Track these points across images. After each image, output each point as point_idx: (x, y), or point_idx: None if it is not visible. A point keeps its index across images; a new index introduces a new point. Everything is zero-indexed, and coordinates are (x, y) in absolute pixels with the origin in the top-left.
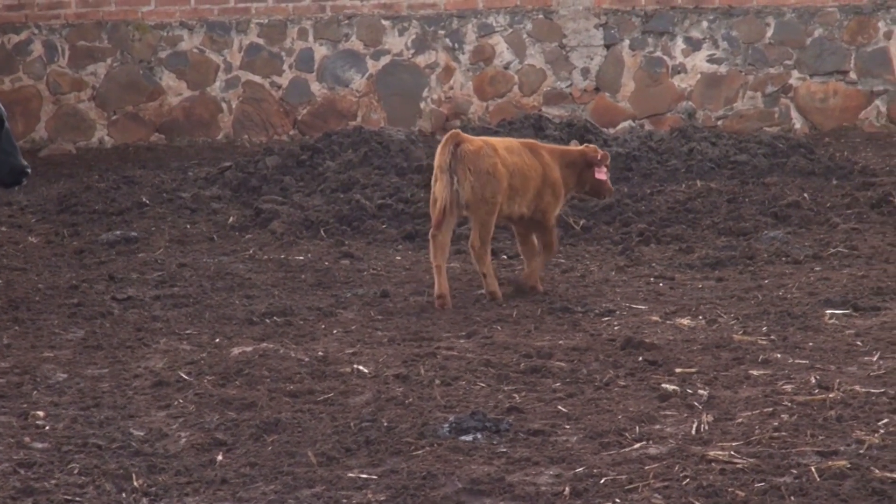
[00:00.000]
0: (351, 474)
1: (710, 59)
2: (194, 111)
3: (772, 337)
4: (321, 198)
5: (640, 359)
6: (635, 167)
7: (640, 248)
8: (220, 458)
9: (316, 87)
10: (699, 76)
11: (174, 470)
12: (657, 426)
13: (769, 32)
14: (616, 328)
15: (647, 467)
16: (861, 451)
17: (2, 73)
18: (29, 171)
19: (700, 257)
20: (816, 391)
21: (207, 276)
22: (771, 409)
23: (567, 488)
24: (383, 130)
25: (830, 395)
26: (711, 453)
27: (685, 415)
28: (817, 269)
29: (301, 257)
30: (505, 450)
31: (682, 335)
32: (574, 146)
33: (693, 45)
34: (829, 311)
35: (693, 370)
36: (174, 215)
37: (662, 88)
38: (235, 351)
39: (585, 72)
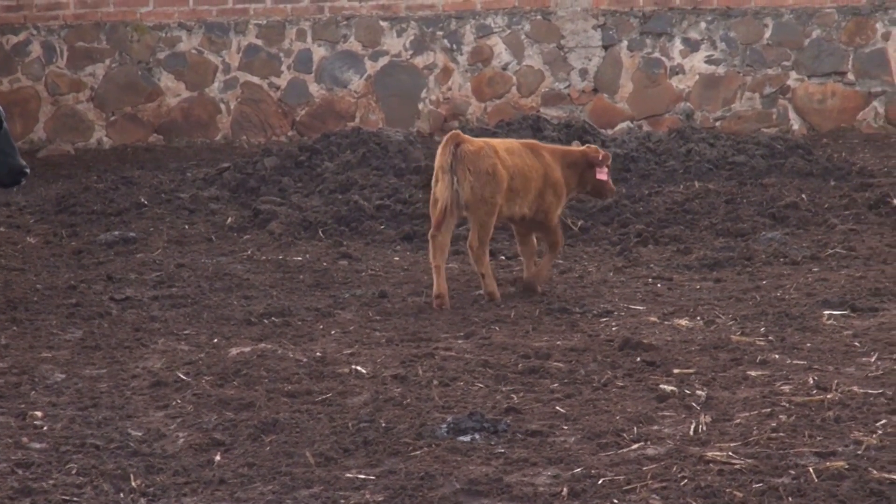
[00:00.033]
0: (349, 475)
1: (709, 60)
2: (193, 112)
3: (770, 338)
4: (319, 198)
5: (638, 359)
6: (633, 168)
7: (639, 248)
8: (218, 458)
9: (314, 88)
10: (697, 77)
11: (172, 470)
12: (655, 427)
13: (767, 33)
14: (614, 329)
15: (644, 468)
16: (859, 452)
17: (0, 74)
18: (27, 171)
19: (698, 258)
20: (814, 392)
21: (206, 277)
22: (769, 409)
23: (565, 489)
24: (381, 131)
25: (828, 396)
26: (709, 454)
27: (683, 415)
28: (815, 269)
29: (299, 258)
30: (503, 450)
31: (681, 336)
32: (576, 147)
33: (691, 46)
34: (826, 312)
35: (691, 371)
36: (172, 216)
37: (660, 89)
38: (233, 351)
39: (584, 73)
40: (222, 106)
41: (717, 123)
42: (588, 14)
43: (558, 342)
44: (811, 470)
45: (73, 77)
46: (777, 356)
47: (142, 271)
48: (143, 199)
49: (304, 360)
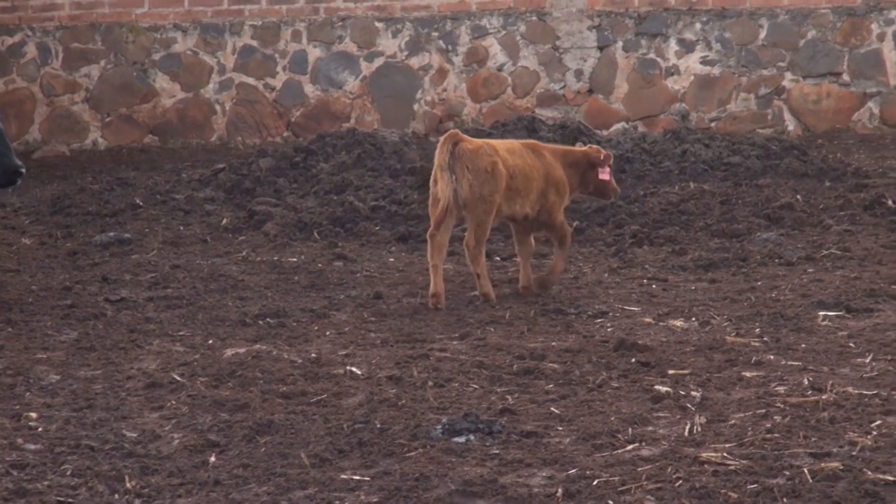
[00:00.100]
0: (344, 476)
1: (704, 61)
2: (188, 113)
3: (765, 338)
4: (314, 199)
5: (633, 360)
6: (628, 169)
7: (634, 249)
8: (212, 459)
9: (309, 89)
10: (692, 78)
11: (167, 471)
12: (650, 428)
13: (762, 34)
14: (609, 330)
15: (639, 469)
16: (854, 453)
17: None
18: (23, 171)
19: (693, 259)
20: (809, 393)
21: (201, 278)
22: (764, 410)
23: (560, 490)
24: (377, 132)
25: (823, 397)
26: (704, 455)
27: (678, 416)
28: (810, 270)
29: (294, 259)
30: (498, 451)
31: (675, 337)
32: (578, 147)
33: (686, 47)
34: (821, 313)
35: (686, 372)
36: (168, 217)
37: (656, 90)
38: (228, 352)
39: (579, 73)
40: (217, 107)
41: (713, 124)
42: (583, 15)
43: (553, 343)
44: (806, 471)
45: (68, 78)
46: (772, 357)
47: (137, 272)
48: (138, 200)
49: (299, 361)
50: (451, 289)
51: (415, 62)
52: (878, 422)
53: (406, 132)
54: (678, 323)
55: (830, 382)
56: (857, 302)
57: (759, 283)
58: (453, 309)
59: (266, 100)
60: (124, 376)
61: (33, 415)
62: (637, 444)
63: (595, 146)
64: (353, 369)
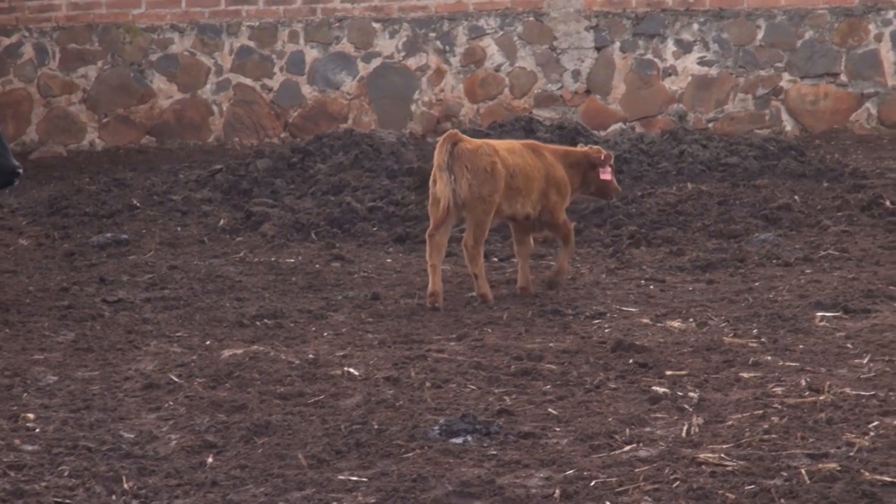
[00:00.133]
0: (341, 477)
1: (701, 62)
2: (185, 114)
3: (762, 339)
4: (312, 200)
5: (631, 361)
6: (626, 169)
7: (631, 250)
8: (210, 460)
9: (307, 90)
10: (690, 78)
11: (164, 472)
12: (647, 429)
13: (760, 34)
14: (606, 330)
15: (637, 470)
16: (851, 454)
17: None
18: (20, 171)
19: (691, 260)
20: (807, 394)
21: (198, 279)
22: (761, 411)
23: (557, 491)
24: (374, 133)
25: (821, 398)
26: (702, 456)
27: (675, 417)
28: (808, 271)
29: (292, 260)
30: (495, 452)
31: (673, 338)
32: (579, 147)
33: (684, 48)
34: (819, 314)
35: (683, 373)
36: (165, 218)
37: (653, 91)
38: (226, 353)
39: (576, 74)
40: (215, 108)
41: (710, 125)
42: (580, 15)
43: (551, 344)
44: (803, 472)
45: (65, 79)
46: (769, 358)
47: (134, 273)
48: (135, 201)
49: (297, 362)
50: (449, 290)
51: (412, 63)
52: (876, 422)
53: (403, 133)
54: (676, 324)
55: (828, 383)
56: (855, 303)
57: (757, 283)
58: (451, 310)
59: (263, 100)
60: (122, 377)
61: (31, 416)
62: (634, 445)
63: (596, 147)
64: (351, 370)
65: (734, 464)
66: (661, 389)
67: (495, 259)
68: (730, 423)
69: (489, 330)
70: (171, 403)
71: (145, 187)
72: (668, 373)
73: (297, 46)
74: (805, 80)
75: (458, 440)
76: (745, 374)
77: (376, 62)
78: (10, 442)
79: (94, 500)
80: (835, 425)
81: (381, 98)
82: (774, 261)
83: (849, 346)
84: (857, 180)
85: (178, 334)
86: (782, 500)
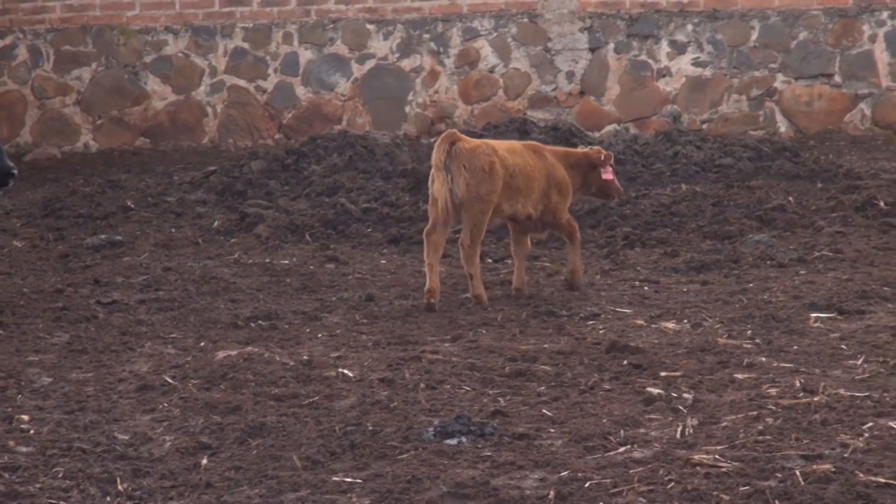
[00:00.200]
0: (336, 478)
1: (695, 63)
2: (179, 115)
3: (756, 340)
4: (306, 202)
5: (625, 362)
6: (620, 171)
7: (625, 251)
8: (204, 461)
9: (301, 92)
10: (684, 79)
11: (159, 474)
12: (642, 430)
13: (754, 35)
14: (601, 332)
15: (631, 471)
16: (845, 455)
17: None
18: (15, 172)
19: (685, 261)
20: (801, 395)
21: (192, 281)
22: (755, 412)
23: (552, 492)
24: (368, 134)
25: (815, 399)
26: (696, 457)
27: (670, 418)
28: (802, 272)
29: (286, 261)
30: (490, 454)
31: (667, 339)
32: (580, 148)
33: (678, 49)
34: (813, 315)
35: (678, 374)
36: (159, 219)
37: (647, 92)
38: (220, 355)
39: (570, 75)
40: (209, 109)
41: (704, 126)
42: (574, 16)
43: (545, 345)
44: (798, 473)
45: (59, 81)
46: (764, 359)
47: (128, 275)
48: (129, 203)
49: (291, 363)
50: (444, 291)
51: (406, 64)
52: (870, 424)
53: (398, 134)
54: (670, 325)
55: (822, 384)
56: (849, 304)
57: (751, 284)
58: (445, 311)
59: (257, 102)
60: (116, 379)
61: (25, 417)
62: (629, 446)
63: (596, 147)
64: (345, 371)
65: (728, 465)
66: (655, 390)
67: (490, 260)
68: (724, 424)
69: (483, 331)
70: (165, 405)
71: (139, 189)
72: (663, 374)
73: (291, 48)
74: (799, 80)
75: (453, 441)
76: (739, 376)
77: (370, 63)
78: (4, 443)
79: (89, 502)
80: (829, 426)
81: (376, 99)
82: (769, 262)
83: (843, 347)
84: (852, 181)
85: (172, 336)
86: (777, 502)
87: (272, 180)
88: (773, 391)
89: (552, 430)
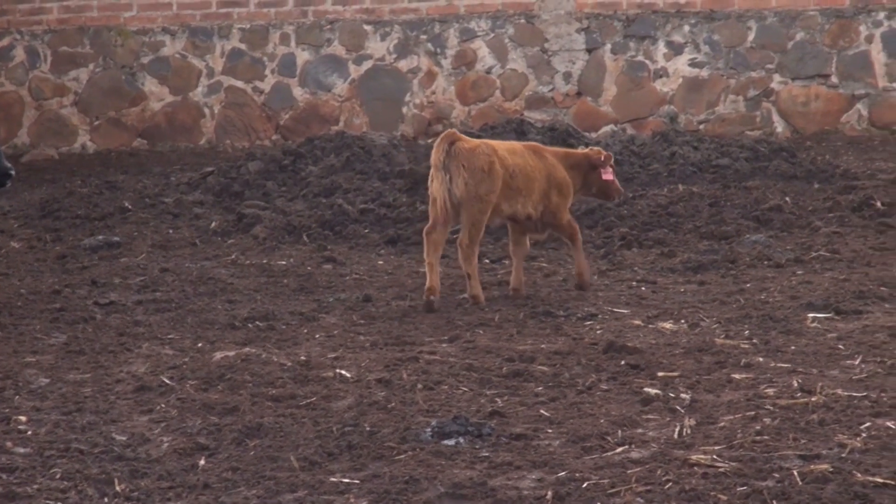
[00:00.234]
0: (333, 479)
1: (692, 63)
2: (177, 116)
3: (754, 341)
4: (303, 203)
5: (623, 363)
6: (617, 171)
7: (623, 252)
8: (202, 462)
9: (298, 92)
10: (681, 80)
11: (156, 475)
12: (639, 430)
13: (751, 36)
14: (598, 332)
15: (629, 471)
16: (843, 455)
17: None
18: (13, 173)
19: (682, 261)
20: (798, 395)
21: (190, 281)
22: (753, 412)
23: (549, 492)
24: (366, 135)
25: (813, 399)
26: (694, 457)
27: (667, 419)
28: (799, 272)
29: (283, 262)
30: (487, 454)
31: (665, 339)
32: (580, 149)
33: (675, 50)
34: (811, 315)
35: (675, 374)
36: (156, 220)
37: (644, 92)
38: (218, 355)
39: (567, 76)
40: (206, 110)
41: (701, 126)
42: (572, 17)
43: (542, 345)
44: (795, 473)
45: (56, 82)
46: (761, 359)
47: (126, 276)
48: (127, 204)
49: (289, 364)
50: (441, 291)
51: (403, 65)
52: (868, 424)
53: (395, 135)
54: (667, 325)
55: (820, 384)
56: (846, 304)
57: (748, 285)
58: (442, 311)
59: (255, 103)
60: (113, 380)
61: (22, 418)
62: (627, 447)
63: (597, 148)
64: (343, 372)
65: (726, 465)
66: (652, 391)
67: (487, 261)
68: (722, 424)
69: (481, 331)
70: (162, 406)
71: (137, 190)
72: (660, 374)
73: (288, 49)
74: (796, 81)
75: (451, 442)
76: (736, 376)
77: (367, 64)
78: (1, 444)
79: (87, 503)
80: (827, 426)
81: (373, 100)
82: (766, 262)
83: (840, 347)
84: (848, 181)
85: (169, 336)
86: (774, 502)
87: (269, 181)
88: (770, 391)
89: (550, 431)
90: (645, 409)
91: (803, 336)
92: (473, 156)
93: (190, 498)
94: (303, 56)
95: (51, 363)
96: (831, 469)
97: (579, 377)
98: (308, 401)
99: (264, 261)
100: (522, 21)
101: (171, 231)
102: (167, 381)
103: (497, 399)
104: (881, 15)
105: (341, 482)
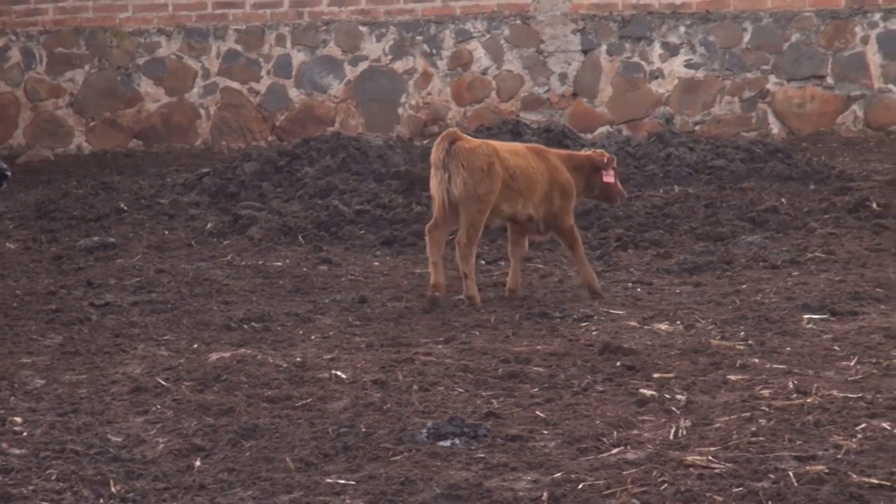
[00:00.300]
0: (329, 480)
1: (688, 65)
2: (172, 117)
3: (749, 342)
4: (299, 204)
5: (618, 364)
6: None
7: (618, 253)
8: (198, 463)
9: (294, 93)
10: (677, 81)
11: (152, 476)
12: (635, 431)
13: (746, 37)
14: (594, 333)
15: (625, 472)
16: (839, 456)
17: None
18: (8, 174)
19: (678, 262)
20: (794, 396)
21: (185, 282)
22: (749, 413)
23: (545, 494)
24: (361, 136)
25: (808, 400)
26: (689, 458)
27: (663, 420)
28: (795, 273)
29: (279, 263)
30: (483, 455)
31: (660, 340)
32: (583, 151)
33: (670, 51)
34: (806, 316)
35: (671, 375)
36: (152, 221)
37: (640, 94)
38: (213, 357)
39: (563, 77)
40: (202, 111)
41: (697, 128)
42: (567, 18)
43: (538, 347)
44: (791, 474)
45: (52, 83)
46: (757, 360)
47: (121, 277)
48: (122, 205)
49: (284, 365)
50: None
51: (399, 66)
52: (863, 425)
53: (391, 136)
54: (663, 326)
55: (815, 385)
56: (842, 305)
57: (744, 286)
58: (438, 312)
59: (250, 104)
60: (109, 381)
61: (18, 419)
62: (622, 448)
63: (599, 150)
64: (338, 373)
65: (722, 466)
66: (648, 392)
67: (482, 262)
68: (717, 425)
69: (477, 333)
70: (158, 407)
71: (132, 191)
72: (656, 375)
73: (284, 50)
74: (791, 82)
75: (446, 443)
76: (732, 377)
77: (363, 65)
78: None
79: None
80: (822, 427)
81: (368, 101)
82: (761, 263)
83: (836, 348)
84: (844, 183)
85: (165, 338)
86: (770, 503)
87: (265, 182)
88: (766, 392)
89: (545, 432)
90: (640, 410)
91: (799, 337)
92: (473, 155)
93: (185, 499)
94: (298, 57)
95: (46, 364)
96: (827, 470)
97: (575, 378)
98: (304, 402)
99: (260, 262)
100: (518, 22)
101: (166, 232)
102: (163, 382)
103: (493, 400)
104: (877, 16)
105: (337, 483)
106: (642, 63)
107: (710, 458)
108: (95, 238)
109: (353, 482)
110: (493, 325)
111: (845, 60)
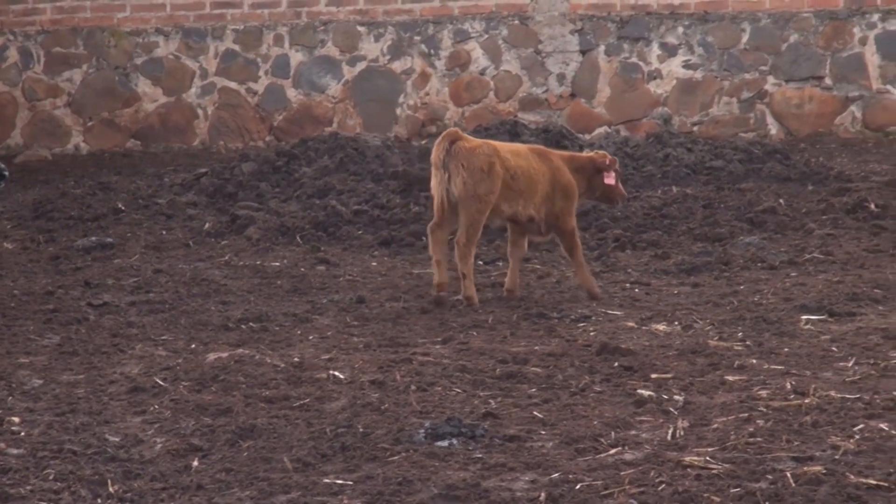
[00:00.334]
0: (327, 480)
1: (686, 65)
2: (170, 117)
3: (747, 342)
4: (297, 204)
5: (616, 364)
6: None
7: (616, 253)
8: (195, 463)
9: (292, 94)
10: (675, 82)
11: (150, 476)
12: (633, 432)
13: (745, 38)
14: (592, 334)
15: (622, 473)
16: (836, 457)
17: None
18: (6, 174)
19: (676, 263)
20: (792, 397)
21: (183, 282)
22: (746, 414)
23: (543, 494)
24: (359, 136)
25: (806, 401)
26: (687, 459)
27: (661, 420)
28: (793, 274)
29: (277, 263)
30: (480, 455)
31: (658, 341)
32: (585, 153)
33: (669, 51)
34: (804, 317)
35: (669, 376)
36: (150, 221)
37: (638, 94)
38: (211, 357)
39: (561, 77)
40: (200, 111)
41: (695, 128)
42: (566, 19)
43: (536, 347)
44: (788, 475)
45: (50, 82)
46: (755, 361)
47: (119, 277)
48: (120, 205)
49: (282, 365)
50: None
51: (397, 66)
52: (861, 426)
53: (388, 136)
54: (661, 327)
55: (813, 386)
56: (840, 306)
57: (742, 287)
58: (436, 313)
59: (248, 104)
60: (107, 381)
61: (16, 419)
62: (620, 448)
63: (601, 151)
64: (336, 373)
65: (719, 467)
66: (646, 392)
67: (480, 262)
68: (715, 426)
69: (474, 333)
70: (156, 407)
71: (130, 191)
72: (654, 376)
73: (281, 50)
74: (790, 83)
75: (444, 443)
76: (730, 378)
77: (361, 66)
78: None
79: None
80: (820, 428)
81: (366, 101)
82: (759, 264)
83: (834, 349)
84: (842, 183)
85: (163, 338)
86: (767, 503)
87: (263, 182)
88: (763, 393)
89: (543, 432)
90: (638, 410)
91: (797, 338)
92: (473, 155)
93: (183, 499)
94: (296, 57)
95: (44, 364)
96: (824, 471)
97: (573, 379)
98: (301, 402)
99: (258, 262)
100: (516, 22)
101: (164, 232)
102: (160, 383)
103: (490, 400)
104: (875, 17)
105: (335, 483)
106: (640, 63)
107: (707, 458)
108: (93, 238)
109: (350, 482)
110: (491, 325)
111: (843, 61)
